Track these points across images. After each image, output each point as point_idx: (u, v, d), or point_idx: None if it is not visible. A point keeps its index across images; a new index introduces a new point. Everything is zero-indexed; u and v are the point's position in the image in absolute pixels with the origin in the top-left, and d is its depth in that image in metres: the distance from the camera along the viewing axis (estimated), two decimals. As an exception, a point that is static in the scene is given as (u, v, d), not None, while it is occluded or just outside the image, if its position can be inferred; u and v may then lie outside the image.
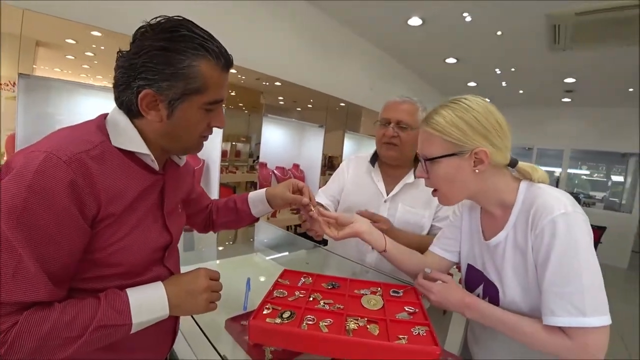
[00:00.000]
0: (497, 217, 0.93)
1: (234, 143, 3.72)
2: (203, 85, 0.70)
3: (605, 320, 0.74)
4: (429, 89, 6.63)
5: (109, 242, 0.67)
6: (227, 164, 3.50)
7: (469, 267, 1.05)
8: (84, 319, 0.62)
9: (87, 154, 0.63)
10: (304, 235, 1.67)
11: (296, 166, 3.90)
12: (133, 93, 0.69)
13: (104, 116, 0.75)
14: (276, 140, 3.73)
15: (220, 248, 2.07)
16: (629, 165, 7.66)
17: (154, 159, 0.75)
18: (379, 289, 1.04)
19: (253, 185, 3.50)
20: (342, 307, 0.92)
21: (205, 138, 0.80)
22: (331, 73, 4.00)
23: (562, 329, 0.77)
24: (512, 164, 0.92)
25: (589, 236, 0.77)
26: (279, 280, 1.06)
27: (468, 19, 3.53)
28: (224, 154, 3.53)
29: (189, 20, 0.70)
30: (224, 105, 0.79)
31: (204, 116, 0.74)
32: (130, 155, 0.72)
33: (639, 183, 6.98)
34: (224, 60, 0.73)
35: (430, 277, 0.97)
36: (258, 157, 3.57)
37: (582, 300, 0.74)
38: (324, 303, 0.94)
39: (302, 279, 1.08)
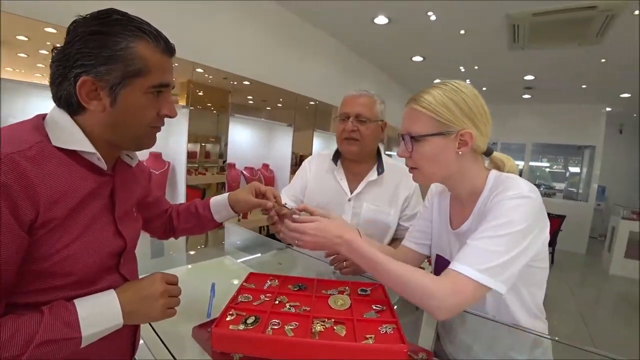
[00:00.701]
0: (465, 204, 0.94)
1: (203, 144, 3.62)
2: (144, 67, 0.66)
3: (499, 287, 0.76)
4: (396, 86, 6.69)
5: (53, 249, 0.61)
6: (196, 165, 3.39)
7: (438, 257, 1.05)
8: (25, 334, 0.56)
9: (21, 155, 0.57)
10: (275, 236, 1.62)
11: (265, 166, 3.83)
12: (71, 84, 0.64)
13: (42, 116, 0.69)
14: (244, 140, 3.65)
15: (192, 252, 1.99)
16: (584, 157, 8.04)
17: (100, 157, 0.69)
18: (347, 288, 1.02)
19: (223, 187, 3.42)
20: (308, 309, 0.89)
21: (157, 129, 0.75)
22: (299, 72, 3.96)
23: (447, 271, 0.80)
24: (488, 152, 0.95)
25: (535, 223, 0.79)
26: (244, 284, 1.02)
27: (433, 17, 3.57)
28: (193, 155, 3.42)
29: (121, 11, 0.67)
30: (176, 97, 0.74)
31: (151, 102, 0.70)
32: (74, 155, 0.66)
33: (593, 173, 7.32)
34: (164, 43, 0.69)
35: (300, 220, 0.98)
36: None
37: (490, 261, 0.76)
38: (290, 306, 0.90)
39: (269, 282, 1.05)
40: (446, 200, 1.05)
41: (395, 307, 0.92)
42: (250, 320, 0.82)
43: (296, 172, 1.62)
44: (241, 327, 0.80)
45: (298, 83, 3.91)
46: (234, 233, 2.31)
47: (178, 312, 0.79)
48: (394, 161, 1.53)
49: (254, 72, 3.49)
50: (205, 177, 3.43)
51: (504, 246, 0.76)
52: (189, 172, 3.87)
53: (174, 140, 2.66)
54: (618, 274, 5.68)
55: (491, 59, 4.78)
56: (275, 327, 0.81)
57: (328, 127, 4.91)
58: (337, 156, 1.52)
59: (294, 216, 0.98)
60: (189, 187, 3.84)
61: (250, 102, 4.15)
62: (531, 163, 8.24)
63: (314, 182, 1.52)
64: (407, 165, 0.94)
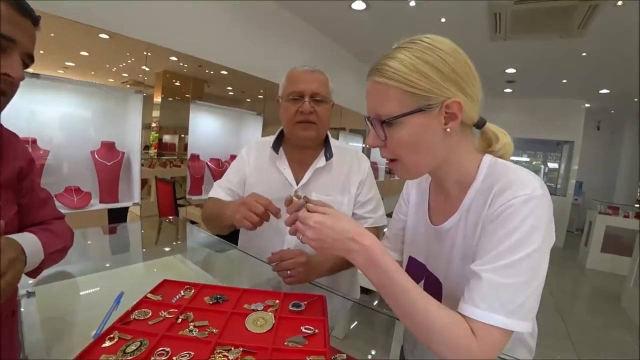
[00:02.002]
0: (452, 196, 0.73)
1: (182, 135, 3.37)
2: None
3: (527, 327, 0.57)
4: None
5: None
6: (175, 157, 3.19)
7: (411, 260, 0.84)
8: None
9: None
10: (235, 234, 1.38)
11: (234, 157, 3.55)
12: None
13: None
14: (211, 130, 3.37)
15: (144, 250, 1.77)
16: (563, 153, 7.97)
17: None
18: (277, 301, 0.80)
19: (184, 180, 3.18)
20: (216, 331, 0.67)
21: (2, 92, 0.61)
22: (275, 60, 3.70)
23: (465, 317, 0.57)
24: (481, 123, 0.72)
25: (550, 225, 0.60)
26: (148, 295, 0.79)
27: (412, 3, 3.34)
28: (171, 147, 3.24)
29: None
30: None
31: None
32: None
33: (571, 169, 7.26)
34: None
35: (313, 209, 0.70)
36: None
37: (514, 299, 0.56)
38: (194, 326, 0.68)
39: (182, 292, 0.82)
40: (424, 190, 0.85)
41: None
42: (132, 348, 0.60)
43: (232, 163, 1.34)
44: (118, 356, 0.58)
45: (275, 72, 3.65)
46: (196, 231, 2.08)
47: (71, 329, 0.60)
48: (342, 143, 1.32)
49: (229, 60, 3.27)
50: (180, 170, 3.21)
51: (525, 274, 0.57)
52: (164, 164, 3.62)
53: (128, 129, 2.39)
54: (595, 267, 5.64)
55: (473, 49, 4.45)
56: (161, 358, 0.59)
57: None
58: (278, 143, 1.27)
59: (308, 205, 0.72)
60: (159, 181, 3.59)
61: (230, 93, 3.90)
62: (512, 158, 8.14)
63: (254, 174, 1.27)
64: (383, 157, 0.70)
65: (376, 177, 6.48)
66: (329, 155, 1.22)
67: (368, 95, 0.68)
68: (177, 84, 3.41)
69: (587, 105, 7.06)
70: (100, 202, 2.21)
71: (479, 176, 0.68)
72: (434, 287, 0.73)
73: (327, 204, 0.73)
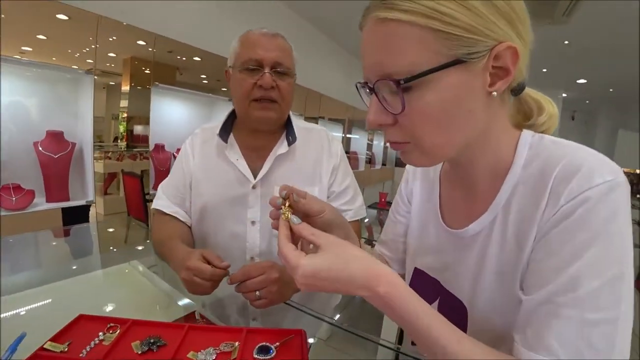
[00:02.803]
0: (479, 189, 0.52)
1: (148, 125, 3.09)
2: None
3: None
4: (357, 62, 6.21)
5: None
6: (147, 149, 2.95)
7: (417, 274, 0.63)
8: None
9: None
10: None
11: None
12: None
13: None
14: (178, 117, 3.07)
15: (92, 257, 1.50)
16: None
17: None
18: (236, 344, 0.57)
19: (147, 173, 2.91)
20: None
21: None
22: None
23: None
24: (520, 88, 0.50)
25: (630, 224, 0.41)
26: (48, 345, 0.55)
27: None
28: (143, 139, 3.06)
29: None
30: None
31: None
32: None
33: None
34: None
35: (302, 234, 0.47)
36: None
37: (609, 340, 0.37)
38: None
39: (101, 335, 0.58)
40: (433, 182, 0.64)
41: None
42: None
43: (175, 161, 1.05)
44: None
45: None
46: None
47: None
48: (306, 123, 1.08)
49: (202, 43, 3.04)
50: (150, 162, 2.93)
51: (618, 302, 0.37)
52: (135, 156, 3.31)
53: (79, 120, 2.08)
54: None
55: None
56: None
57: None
58: (227, 129, 0.99)
59: (292, 220, 0.49)
60: (126, 175, 3.28)
61: (205, 81, 3.63)
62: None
63: (200, 171, 1.00)
64: (390, 140, 0.48)
65: (355, 168, 6.30)
66: (291, 139, 0.96)
67: (367, 45, 0.44)
68: (147, 71, 3.12)
69: (564, 95, 7.07)
70: (47, 201, 1.89)
71: (517, 159, 0.48)
72: (455, 313, 0.51)
73: (317, 200, 0.54)
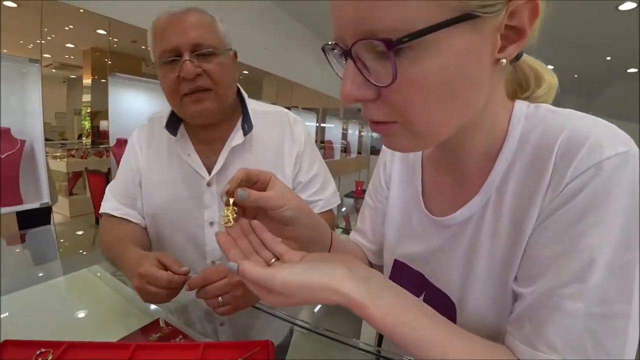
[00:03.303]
0: (468, 171, 0.46)
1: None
2: None
3: None
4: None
5: None
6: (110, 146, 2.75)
7: (397, 265, 0.57)
8: None
9: None
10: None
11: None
12: None
13: None
14: (141, 109, 2.88)
15: (52, 263, 1.38)
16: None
17: None
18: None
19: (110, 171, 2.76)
20: None
21: None
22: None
23: None
24: (519, 54, 0.44)
25: None
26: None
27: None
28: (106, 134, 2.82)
29: None
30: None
31: None
32: None
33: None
34: None
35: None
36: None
37: (620, 339, 0.33)
38: None
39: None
40: (414, 164, 0.57)
41: None
42: None
43: (122, 157, 0.93)
44: None
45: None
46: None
47: None
48: (265, 105, 0.96)
49: None
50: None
51: (627, 291, 0.33)
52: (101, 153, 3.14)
53: (28, 114, 1.92)
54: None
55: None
56: None
57: (258, 95, 4.28)
58: (175, 120, 0.87)
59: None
60: (90, 173, 3.11)
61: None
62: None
63: (150, 170, 0.89)
64: (371, 119, 0.38)
65: (330, 157, 6.26)
66: (247, 127, 0.85)
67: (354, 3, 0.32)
68: (109, 62, 2.95)
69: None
70: (-2, 205, 1.75)
71: (512, 134, 0.41)
72: (442, 310, 0.42)
73: (281, 190, 0.46)
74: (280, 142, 0.89)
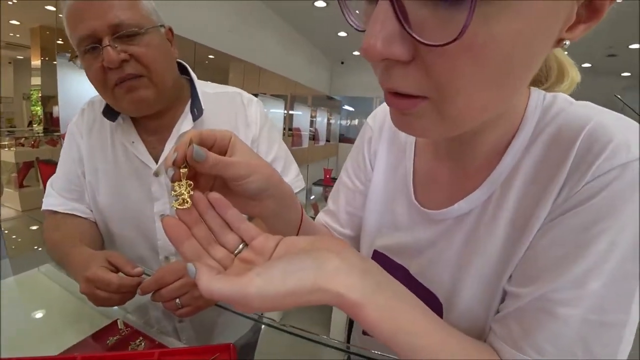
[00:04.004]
0: (473, 162, 0.42)
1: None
2: None
3: None
4: (297, 36, 5.95)
5: None
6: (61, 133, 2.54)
7: (377, 256, 0.53)
8: None
9: None
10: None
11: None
12: None
13: None
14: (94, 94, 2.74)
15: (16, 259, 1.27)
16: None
17: None
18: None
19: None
20: None
21: None
22: (182, 10, 3.10)
23: None
24: None
25: None
26: None
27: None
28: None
29: None
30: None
31: None
32: None
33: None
34: None
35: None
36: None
37: (615, 340, 0.31)
38: None
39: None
40: (405, 149, 0.51)
41: None
42: None
43: (62, 149, 0.85)
44: None
45: (188, 28, 3.05)
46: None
47: None
48: (217, 87, 0.88)
49: None
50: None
51: (624, 301, 0.31)
52: (52, 142, 2.93)
53: None
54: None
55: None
56: None
57: (224, 81, 4.12)
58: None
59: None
60: (42, 163, 2.91)
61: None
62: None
63: (92, 160, 0.81)
64: (394, 90, 0.29)
65: (299, 145, 6.18)
66: (197, 112, 0.78)
67: None
68: (61, 42, 2.72)
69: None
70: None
71: (527, 125, 0.38)
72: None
73: (246, 154, 0.38)
74: (234, 126, 0.83)
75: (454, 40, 0.23)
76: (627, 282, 0.31)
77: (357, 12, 0.29)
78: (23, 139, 4.06)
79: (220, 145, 0.37)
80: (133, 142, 0.78)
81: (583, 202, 0.32)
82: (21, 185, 3.98)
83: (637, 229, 0.30)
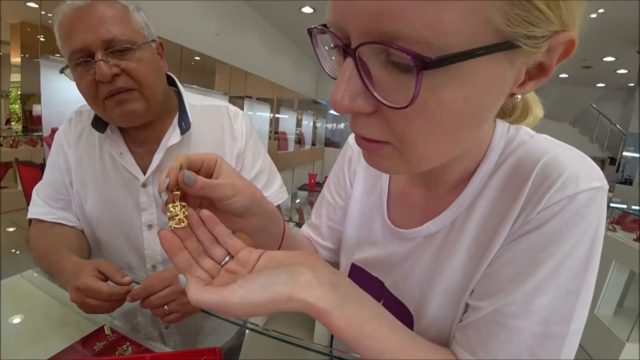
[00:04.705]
0: (440, 187, 0.46)
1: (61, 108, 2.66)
2: None
3: None
4: (284, 40, 5.91)
5: None
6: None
7: (355, 269, 0.57)
8: None
9: None
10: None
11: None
12: None
13: None
14: (79, 95, 2.68)
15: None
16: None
17: None
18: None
19: (42, 165, 2.52)
20: None
21: None
22: (166, 13, 3.09)
23: None
24: None
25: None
26: None
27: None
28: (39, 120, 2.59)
29: None
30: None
31: None
32: None
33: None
34: None
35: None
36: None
37: (557, 350, 0.35)
38: None
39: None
40: (383, 175, 0.55)
41: None
42: None
43: (49, 156, 0.86)
44: None
45: (171, 30, 3.04)
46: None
47: None
48: (203, 99, 0.89)
49: None
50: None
51: (566, 315, 0.35)
52: (32, 142, 2.86)
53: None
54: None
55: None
56: None
57: (211, 84, 4.11)
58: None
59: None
60: (21, 165, 2.84)
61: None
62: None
63: (80, 170, 0.82)
64: (360, 135, 0.33)
65: (285, 149, 6.17)
66: (185, 125, 0.79)
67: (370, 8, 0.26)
68: (43, 39, 2.68)
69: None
70: None
71: (490, 155, 0.41)
72: (399, 319, 0.41)
73: (231, 176, 0.41)
74: (220, 140, 0.85)
75: (407, 106, 0.27)
76: (570, 299, 0.35)
77: (332, 58, 0.33)
78: (1, 138, 3.94)
79: (206, 167, 0.41)
80: (121, 154, 0.79)
81: (535, 228, 0.36)
82: (-2, 186, 3.87)
83: (580, 253, 0.34)
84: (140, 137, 0.80)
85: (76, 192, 0.82)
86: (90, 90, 0.69)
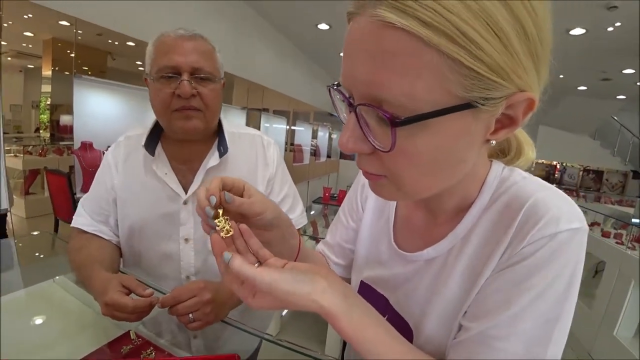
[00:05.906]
0: (440, 217, 0.51)
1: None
2: None
3: None
4: (300, 55, 6.05)
5: None
6: (73, 143, 2.53)
7: (364, 286, 0.61)
8: None
9: None
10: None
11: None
12: None
13: None
14: (108, 111, 2.76)
15: (24, 268, 1.32)
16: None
17: None
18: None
19: (72, 173, 2.61)
20: None
21: None
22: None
23: None
24: None
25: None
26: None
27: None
28: (71, 130, 2.60)
29: None
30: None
31: None
32: None
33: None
34: None
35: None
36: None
37: None
38: None
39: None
40: (388, 203, 0.61)
41: None
42: None
43: (97, 173, 0.95)
44: None
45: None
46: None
47: None
48: (239, 126, 1.01)
49: (132, 29, 2.73)
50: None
51: (544, 341, 0.39)
52: (58, 151, 2.96)
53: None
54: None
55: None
56: None
57: (228, 99, 4.24)
58: (153, 139, 0.90)
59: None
60: (49, 173, 2.97)
61: (141, 68, 3.35)
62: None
63: (126, 187, 0.91)
64: (363, 169, 0.42)
65: (300, 161, 6.23)
66: (223, 150, 0.90)
67: (357, 50, 0.34)
68: (72, 54, 2.81)
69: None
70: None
71: (485, 192, 0.47)
72: (400, 333, 0.47)
73: (260, 197, 0.49)
74: (254, 165, 0.94)
75: (390, 149, 0.35)
76: (548, 326, 0.39)
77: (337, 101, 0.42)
78: (30, 147, 4.13)
79: (236, 189, 0.48)
80: (166, 174, 0.88)
81: (519, 262, 0.40)
82: (27, 193, 4.04)
83: (559, 286, 0.39)
84: (184, 155, 0.89)
85: (120, 207, 0.90)
86: (165, 101, 0.80)
